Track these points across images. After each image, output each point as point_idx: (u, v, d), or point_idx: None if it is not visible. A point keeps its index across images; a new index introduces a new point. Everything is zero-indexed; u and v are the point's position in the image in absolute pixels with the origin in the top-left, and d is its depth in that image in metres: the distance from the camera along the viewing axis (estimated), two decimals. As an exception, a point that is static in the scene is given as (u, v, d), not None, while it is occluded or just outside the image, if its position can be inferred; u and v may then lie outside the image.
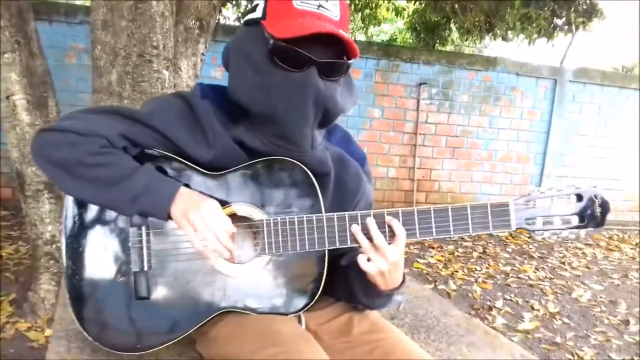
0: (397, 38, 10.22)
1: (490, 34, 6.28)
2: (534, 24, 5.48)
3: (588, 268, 4.82)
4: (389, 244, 1.11)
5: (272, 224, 1.13)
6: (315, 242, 1.12)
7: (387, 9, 7.64)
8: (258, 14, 1.12)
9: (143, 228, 1.13)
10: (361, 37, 9.66)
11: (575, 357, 3.10)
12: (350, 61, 1.12)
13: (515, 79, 6.27)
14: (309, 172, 1.15)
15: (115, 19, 2.37)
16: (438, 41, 8.12)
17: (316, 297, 1.17)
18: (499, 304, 3.76)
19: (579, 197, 1.13)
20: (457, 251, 5.01)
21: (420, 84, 5.99)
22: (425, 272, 4.34)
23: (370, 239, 1.11)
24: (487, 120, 6.28)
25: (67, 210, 1.17)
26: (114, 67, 2.40)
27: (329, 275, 1.21)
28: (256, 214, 1.15)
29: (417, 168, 6.14)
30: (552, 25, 5.70)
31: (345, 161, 1.27)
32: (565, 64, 6.63)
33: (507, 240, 5.53)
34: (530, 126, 6.42)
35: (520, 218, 1.12)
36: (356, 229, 1.12)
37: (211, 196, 1.13)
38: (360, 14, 7.40)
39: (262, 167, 1.16)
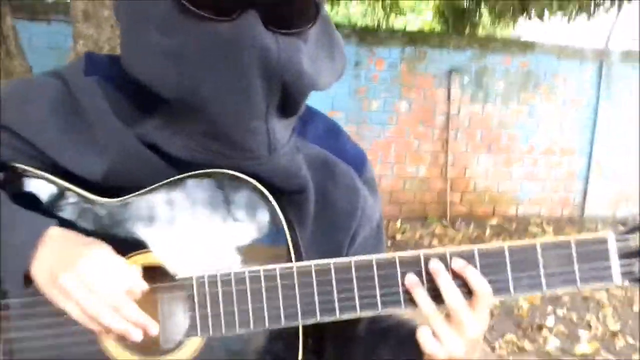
0: (423, 28, 9.82)
1: (524, 14, 5.81)
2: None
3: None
4: None
5: (207, 282, 0.68)
6: (280, 314, 0.67)
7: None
8: None
9: None
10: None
11: (646, 388, 2.66)
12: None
13: (556, 63, 5.75)
14: (267, 194, 0.71)
15: (96, 9, 2.28)
16: (469, 27, 7.68)
17: None
18: (550, 321, 3.33)
19: None
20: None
21: (451, 72, 5.52)
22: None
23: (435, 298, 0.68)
24: (526, 109, 5.79)
25: None
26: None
27: (339, 349, 0.82)
28: (183, 266, 0.71)
29: (450, 165, 5.66)
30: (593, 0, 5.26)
31: (332, 167, 0.82)
32: (610, 45, 6.09)
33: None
34: (574, 114, 5.90)
35: (628, 262, 0.66)
36: (414, 281, 0.68)
37: (110, 238, 0.69)
38: (381, 3, 6.99)
39: (190, 188, 0.71)
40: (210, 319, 0.68)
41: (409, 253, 0.67)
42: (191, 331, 0.69)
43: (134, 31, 0.70)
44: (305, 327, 0.72)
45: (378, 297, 0.67)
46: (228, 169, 0.71)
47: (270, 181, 0.72)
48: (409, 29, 8.21)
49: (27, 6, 4.66)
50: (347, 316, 0.67)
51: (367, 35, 5.38)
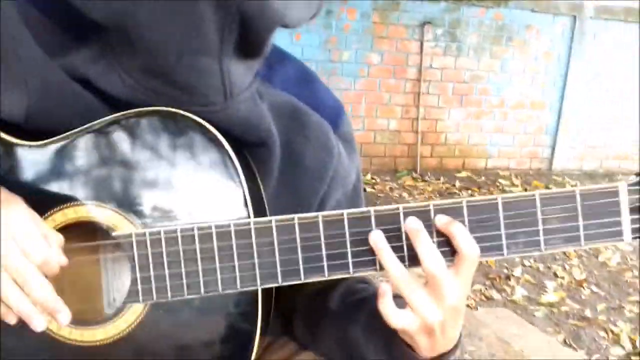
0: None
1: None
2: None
3: (614, 226, 4.34)
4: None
5: (148, 240, 0.58)
6: (235, 277, 0.58)
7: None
8: None
9: None
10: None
11: (610, 335, 2.71)
12: None
13: (531, 16, 5.67)
14: (221, 139, 0.61)
15: None
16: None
17: None
18: (518, 271, 3.37)
19: None
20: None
21: (424, 24, 5.41)
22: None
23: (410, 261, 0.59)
24: (498, 63, 5.73)
25: None
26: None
27: (309, 323, 0.75)
28: (120, 222, 0.61)
29: (422, 119, 5.61)
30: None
31: (302, 118, 0.72)
32: (585, -2, 6.05)
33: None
34: (546, 69, 5.86)
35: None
36: (379, 237, 0.59)
37: (33, 188, 0.59)
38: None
39: (128, 130, 0.61)
40: (153, 283, 0.59)
41: (386, 207, 0.58)
42: (132, 296, 0.60)
43: None
44: (268, 299, 0.63)
45: (349, 258, 0.58)
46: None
47: (227, 131, 0.63)
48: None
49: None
50: (313, 279, 0.59)
51: (339, -17, 5.20)
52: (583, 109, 6.04)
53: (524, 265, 3.47)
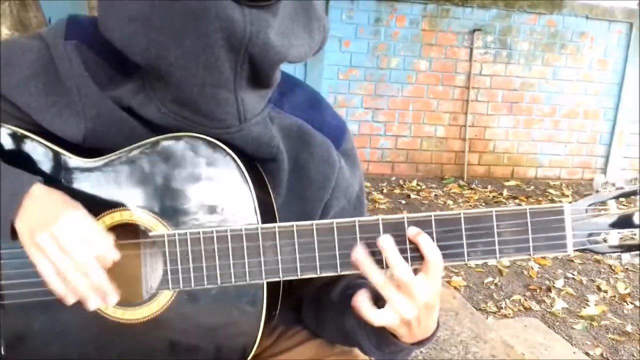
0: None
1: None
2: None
3: (665, 239, 4.22)
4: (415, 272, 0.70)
5: (177, 240, 0.72)
6: (245, 271, 0.71)
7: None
8: None
9: None
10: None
11: (649, 351, 2.65)
12: None
13: (584, 23, 5.59)
14: (235, 158, 0.73)
15: None
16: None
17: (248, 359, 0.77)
18: (559, 283, 3.34)
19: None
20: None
21: (474, 31, 5.42)
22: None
23: (383, 266, 0.71)
24: (550, 71, 5.66)
25: None
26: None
27: (315, 313, 0.86)
28: (156, 224, 0.75)
29: (469, 126, 5.61)
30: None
31: (307, 137, 0.84)
32: (643, 4, 5.88)
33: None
34: (600, 77, 5.76)
35: (583, 234, 0.68)
36: (361, 254, 0.70)
37: (88, 196, 0.73)
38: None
39: (164, 150, 0.74)
40: (180, 274, 0.72)
41: (368, 218, 0.70)
42: (163, 284, 0.73)
43: None
44: (275, 290, 0.76)
45: (337, 259, 0.70)
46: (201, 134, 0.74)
47: (242, 149, 0.75)
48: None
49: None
50: (307, 275, 0.71)
51: (389, -9, 5.28)
52: (638, 118, 5.87)
53: (566, 277, 3.45)
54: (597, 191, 0.69)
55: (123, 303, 0.75)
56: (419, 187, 5.21)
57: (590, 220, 0.68)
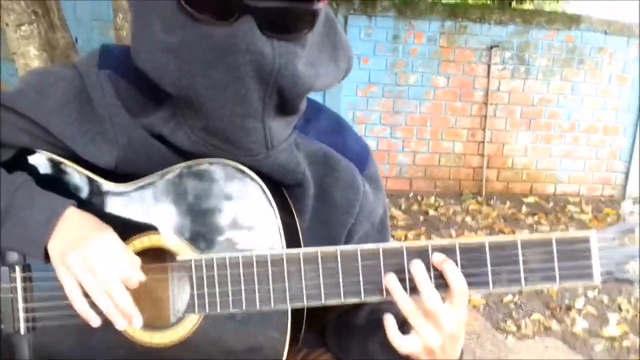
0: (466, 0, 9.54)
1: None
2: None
3: (690, 258, 4.14)
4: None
5: (204, 265, 0.73)
6: (270, 297, 0.72)
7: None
8: None
9: (18, 268, 0.77)
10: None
11: (673, 373, 2.63)
12: (319, 4, 0.70)
13: (603, 38, 5.54)
14: (261, 184, 0.75)
15: None
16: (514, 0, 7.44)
17: None
18: (580, 303, 3.30)
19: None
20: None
21: (492, 47, 5.40)
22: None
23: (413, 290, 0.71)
24: (569, 86, 5.62)
25: None
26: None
27: (339, 339, 0.88)
28: (184, 248, 0.76)
29: (488, 142, 5.58)
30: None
31: (333, 162, 0.85)
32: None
33: (590, 224, 4.91)
34: (619, 93, 5.69)
35: (610, 262, 0.67)
36: (393, 280, 0.71)
37: (119, 220, 0.75)
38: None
39: (192, 176, 0.76)
40: (206, 298, 0.73)
41: (392, 245, 0.71)
42: (189, 309, 0.75)
43: (141, 26, 0.75)
44: (299, 316, 0.77)
45: (361, 286, 0.70)
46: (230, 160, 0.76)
47: (268, 175, 0.77)
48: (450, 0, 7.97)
49: (71, -23, 4.77)
50: (331, 302, 0.72)
51: (406, 8, 5.30)
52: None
53: (586, 296, 3.41)
54: (624, 219, 0.69)
55: (150, 326, 0.77)
56: (437, 204, 5.19)
57: (617, 249, 0.68)
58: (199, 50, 0.69)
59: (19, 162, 0.82)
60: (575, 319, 3.08)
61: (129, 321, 0.72)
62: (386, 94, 5.32)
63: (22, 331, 0.79)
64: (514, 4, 7.21)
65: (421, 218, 4.79)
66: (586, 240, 0.68)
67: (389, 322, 0.71)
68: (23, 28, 2.32)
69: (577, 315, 3.13)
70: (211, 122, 0.73)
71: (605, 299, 3.38)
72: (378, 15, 5.18)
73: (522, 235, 0.68)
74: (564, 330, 3.00)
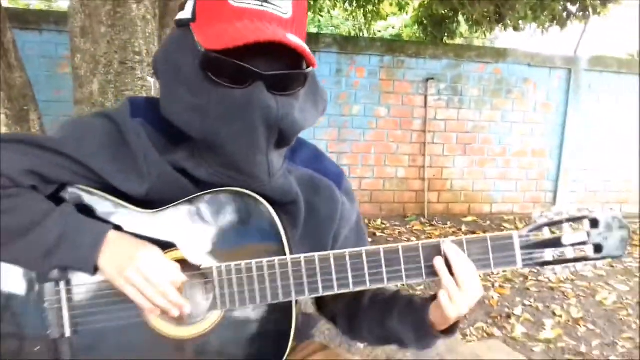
0: (402, 33, 10.03)
1: (500, 25, 6.05)
2: (547, 12, 5.26)
3: (612, 267, 4.56)
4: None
5: (224, 271, 0.93)
6: (278, 292, 0.92)
7: (391, 4, 7.43)
8: (187, 13, 0.92)
9: (62, 283, 0.94)
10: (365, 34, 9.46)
11: (603, 369, 2.89)
12: (308, 70, 0.92)
13: (527, 70, 6.03)
14: (268, 206, 0.95)
15: (93, 25, 2.30)
16: (446, 35, 7.91)
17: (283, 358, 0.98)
18: (518, 310, 3.57)
19: (594, 223, 0.97)
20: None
21: (428, 80, 5.79)
22: (438, 278, 4.13)
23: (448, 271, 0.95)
24: (499, 114, 6.06)
25: None
26: (95, 76, 2.30)
27: (349, 323, 1.11)
28: (205, 259, 0.96)
29: (428, 167, 5.93)
30: (565, 12, 5.47)
31: (316, 183, 1.07)
32: (579, 52, 6.40)
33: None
34: (544, 119, 6.18)
35: (528, 252, 0.93)
36: (440, 261, 0.95)
37: (150, 239, 0.94)
38: (362, 10, 7.21)
39: (210, 202, 0.96)
40: (227, 297, 0.93)
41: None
42: (213, 306, 0.94)
43: (170, 89, 0.94)
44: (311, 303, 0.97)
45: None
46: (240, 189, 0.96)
47: (271, 197, 0.98)
48: (390, 31, 8.32)
49: (19, 15, 4.75)
50: (327, 293, 0.93)
51: (348, 44, 5.61)
52: (582, 155, 6.29)
53: (524, 304, 3.69)
54: (535, 221, 0.95)
55: (179, 322, 0.96)
56: (383, 226, 5.44)
57: (533, 242, 0.94)
58: (222, 108, 0.89)
59: (57, 195, 0.98)
60: (514, 326, 3.33)
61: (181, 310, 0.91)
62: (332, 123, 5.58)
63: (68, 334, 0.95)
64: (445, 39, 7.64)
65: (370, 239, 5.01)
66: (510, 237, 0.94)
67: (444, 296, 0.95)
68: (-20, 70, 2.36)
69: (516, 322, 3.39)
70: (228, 159, 0.93)
71: (541, 306, 3.67)
72: (322, 51, 5.46)
73: (467, 236, 0.93)
74: (505, 335, 3.26)
